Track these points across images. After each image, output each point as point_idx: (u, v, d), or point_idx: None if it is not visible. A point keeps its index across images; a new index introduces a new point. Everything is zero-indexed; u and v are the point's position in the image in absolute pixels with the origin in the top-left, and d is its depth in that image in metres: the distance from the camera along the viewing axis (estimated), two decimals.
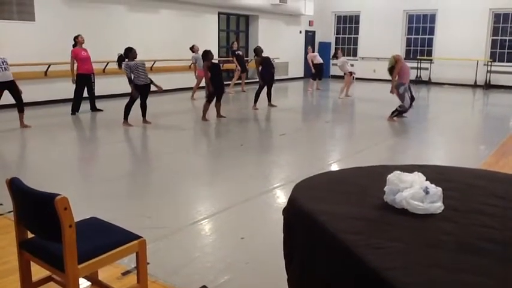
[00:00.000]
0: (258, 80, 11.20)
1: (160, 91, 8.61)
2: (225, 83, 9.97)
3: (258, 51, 10.89)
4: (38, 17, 10.48)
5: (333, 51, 20.72)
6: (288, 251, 2.29)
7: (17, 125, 8.00)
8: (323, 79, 16.34)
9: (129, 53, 8.23)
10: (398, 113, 9.46)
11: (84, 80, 9.57)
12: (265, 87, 10.84)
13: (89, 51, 9.69)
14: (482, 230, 1.80)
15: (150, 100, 8.80)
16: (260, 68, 10.80)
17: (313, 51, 15.93)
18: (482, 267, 1.54)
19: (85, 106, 9.86)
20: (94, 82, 9.81)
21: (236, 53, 13.99)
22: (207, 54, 9.04)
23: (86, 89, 9.70)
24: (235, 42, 14.73)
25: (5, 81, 7.69)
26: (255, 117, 10.20)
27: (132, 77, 8.13)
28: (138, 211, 4.30)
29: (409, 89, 9.51)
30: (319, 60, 14.81)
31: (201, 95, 11.41)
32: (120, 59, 8.25)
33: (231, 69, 15.40)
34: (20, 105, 7.93)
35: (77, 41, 9.60)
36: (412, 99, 9.63)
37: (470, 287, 1.43)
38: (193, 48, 12.24)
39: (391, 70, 9.46)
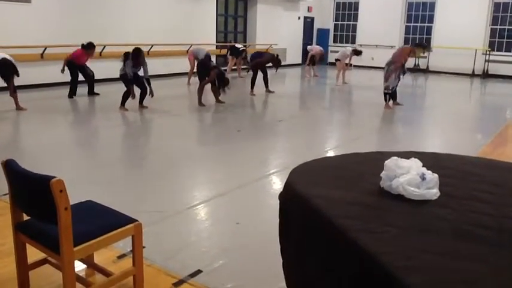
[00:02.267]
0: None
1: (151, 96, 8.49)
2: (222, 68, 9.91)
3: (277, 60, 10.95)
4: None
5: (331, 38, 20.66)
6: (283, 236, 2.30)
7: (13, 107, 7.95)
8: (321, 66, 16.30)
9: (137, 57, 8.07)
10: (389, 96, 9.38)
11: (75, 65, 9.51)
12: (262, 74, 10.80)
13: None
14: (478, 217, 1.81)
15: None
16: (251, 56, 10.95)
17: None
18: (477, 253, 1.54)
19: (83, 90, 9.81)
20: (87, 66, 9.73)
21: (242, 53, 13.97)
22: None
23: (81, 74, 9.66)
24: (240, 46, 14.62)
25: None
26: (252, 103, 10.17)
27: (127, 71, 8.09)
28: (134, 195, 4.30)
29: (399, 75, 9.33)
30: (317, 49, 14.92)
31: (197, 80, 11.36)
32: (125, 57, 8.14)
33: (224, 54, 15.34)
34: (9, 87, 7.84)
35: (89, 52, 9.49)
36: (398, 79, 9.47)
37: (464, 273, 1.43)
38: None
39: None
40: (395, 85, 9.30)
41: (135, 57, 8.07)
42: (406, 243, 1.61)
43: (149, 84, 8.35)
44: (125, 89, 8.31)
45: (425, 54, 11.50)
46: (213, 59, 13.42)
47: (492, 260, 1.50)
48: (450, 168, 2.37)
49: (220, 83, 8.94)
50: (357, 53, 13.67)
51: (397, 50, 9.46)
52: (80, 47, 9.47)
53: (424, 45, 10.81)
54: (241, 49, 14.12)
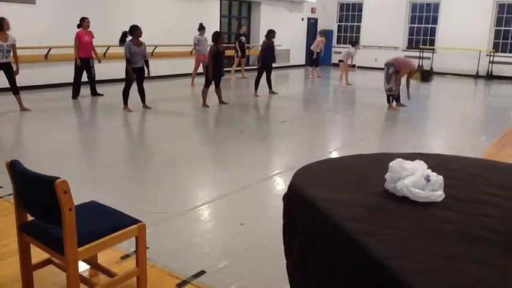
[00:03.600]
0: (257, 67, 11.20)
1: (148, 76, 8.45)
2: (226, 69, 9.91)
3: (271, 34, 10.83)
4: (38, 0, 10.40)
5: (335, 39, 20.63)
6: (287, 237, 2.29)
7: (17, 108, 7.97)
8: (324, 67, 16.27)
9: (135, 31, 8.09)
10: (393, 98, 9.37)
11: (82, 64, 9.51)
12: (265, 74, 10.79)
13: (93, 35, 9.62)
14: (483, 219, 1.80)
15: (150, 86, 8.78)
16: (261, 53, 10.81)
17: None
18: (483, 256, 1.53)
19: (86, 90, 9.83)
20: (93, 67, 9.75)
21: (240, 38, 13.90)
22: (219, 37, 8.93)
23: (85, 73, 9.66)
24: (244, 27, 14.65)
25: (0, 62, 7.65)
26: (256, 104, 10.17)
27: (129, 57, 8.08)
28: (138, 196, 4.30)
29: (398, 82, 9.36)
30: (318, 48, 14.81)
31: (201, 80, 11.35)
32: (124, 36, 8.17)
33: (232, 55, 15.32)
34: (13, 88, 7.87)
35: (83, 25, 9.51)
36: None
37: (470, 276, 1.42)
38: (201, 29, 11.95)
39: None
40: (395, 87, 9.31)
41: (133, 29, 8.08)
42: (412, 247, 1.60)
43: (147, 65, 8.33)
44: (125, 89, 8.34)
45: (417, 81, 11.41)
46: None
47: (499, 263, 1.49)
48: (455, 170, 2.35)
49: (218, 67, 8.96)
50: (355, 43, 13.68)
51: (403, 59, 9.37)
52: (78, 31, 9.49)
53: (426, 75, 10.70)
54: (241, 35, 13.98)
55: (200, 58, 11.70)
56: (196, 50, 12.14)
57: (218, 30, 8.96)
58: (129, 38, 8.13)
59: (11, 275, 2.73)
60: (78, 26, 9.53)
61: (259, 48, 11.79)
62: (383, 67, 9.43)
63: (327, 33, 14.32)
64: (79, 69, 9.54)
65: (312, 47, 14.94)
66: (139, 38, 8.17)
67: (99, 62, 9.88)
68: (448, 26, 17.45)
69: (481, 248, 1.58)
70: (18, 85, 7.94)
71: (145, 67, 8.30)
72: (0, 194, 4.03)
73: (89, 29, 9.58)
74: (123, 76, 8.41)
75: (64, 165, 5.11)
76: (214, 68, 8.81)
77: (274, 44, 11.28)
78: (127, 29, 8.18)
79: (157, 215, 3.73)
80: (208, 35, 12.08)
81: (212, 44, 9.14)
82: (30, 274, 2.57)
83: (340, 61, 13.54)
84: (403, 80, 9.42)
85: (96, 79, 9.95)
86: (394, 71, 9.08)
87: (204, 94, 9.02)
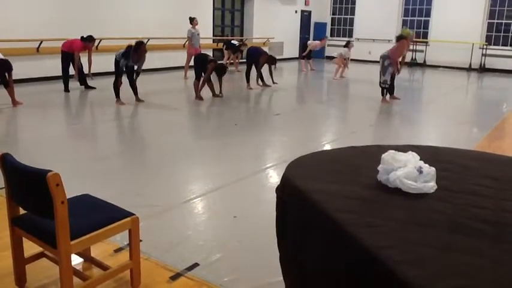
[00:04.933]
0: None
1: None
2: (218, 62, 9.88)
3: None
4: None
5: (329, 31, 20.61)
6: (280, 230, 2.30)
7: (9, 101, 7.90)
8: (318, 60, 16.27)
9: (138, 49, 7.98)
10: (387, 91, 9.40)
11: (66, 56, 9.44)
12: (255, 70, 10.82)
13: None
14: (475, 211, 1.81)
15: (143, 79, 8.73)
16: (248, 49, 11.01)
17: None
18: (475, 247, 1.54)
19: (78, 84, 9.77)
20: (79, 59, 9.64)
21: (237, 45, 13.95)
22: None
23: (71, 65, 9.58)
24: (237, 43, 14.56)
25: None
26: (249, 97, 10.15)
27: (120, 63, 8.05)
28: (131, 189, 4.29)
29: (397, 69, 9.42)
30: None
31: (193, 73, 11.33)
32: (127, 49, 8.05)
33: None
34: (4, 82, 7.81)
35: (89, 44, 9.43)
36: (392, 78, 9.51)
37: (462, 267, 1.44)
38: (192, 22, 11.90)
39: (398, 38, 9.42)
40: (390, 79, 9.32)
41: (135, 51, 8.01)
42: (404, 237, 1.61)
43: (137, 75, 8.34)
44: (115, 82, 8.32)
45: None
46: (210, 53, 13.38)
47: (490, 253, 1.50)
48: (447, 162, 2.36)
49: (222, 74, 9.00)
50: (347, 44, 13.71)
51: (394, 48, 9.41)
52: (78, 39, 9.41)
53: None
54: (237, 45, 14.06)
55: (192, 52, 11.63)
56: (191, 43, 12.08)
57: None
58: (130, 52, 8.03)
59: (3, 269, 2.72)
60: (83, 39, 9.38)
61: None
62: (376, 60, 9.46)
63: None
64: (64, 61, 9.45)
65: (310, 46, 14.83)
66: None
67: (91, 78, 9.78)
68: (441, 19, 17.50)
69: (472, 239, 1.59)
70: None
71: (135, 73, 8.30)
72: None
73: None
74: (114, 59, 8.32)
75: (56, 158, 5.09)
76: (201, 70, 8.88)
77: (266, 37, 11.36)
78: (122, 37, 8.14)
79: (150, 208, 3.72)
80: (199, 29, 12.09)
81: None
82: (23, 268, 2.56)
83: (345, 59, 13.51)
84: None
85: (90, 72, 9.86)
86: (389, 63, 9.11)
87: (196, 86, 9.00)
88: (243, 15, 17.41)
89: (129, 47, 8.07)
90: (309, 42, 15.57)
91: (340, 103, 10.35)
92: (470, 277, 1.38)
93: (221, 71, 9.07)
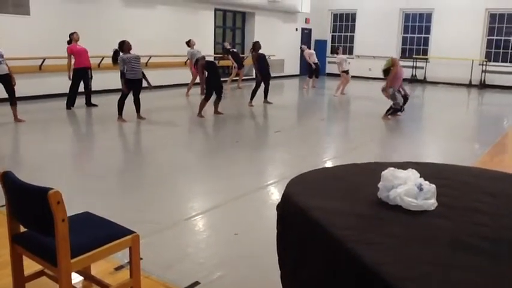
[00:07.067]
0: (254, 77, 11.17)
1: (150, 88, 8.54)
2: (222, 79, 9.95)
3: (256, 46, 10.85)
4: (33, 10, 10.41)
5: (329, 49, 20.76)
6: (281, 247, 2.29)
7: (11, 119, 7.94)
8: (319, 77, 16.32)
9: (123, 45, 8.20)
10: (393, 111, 9.47)
11: (80, 74, 9.50)
12: (263, 84, 10.82)
13: (84, 46, 9.63)
14: (475, 228, 1.81)
15: (145, 96, 8.77)
16: (256, 64, 10.81)
17: (309, 49, 15.86)
18: (474, 264, 1.54)
19: (81, 101, 9.81)
20: (91, 77, 9.74)
21: (231, 50, 13.97)
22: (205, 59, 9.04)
23: (82, 83, 9.66)
24: (227, 43, 14.70)
25: (1, 74, 7.65)
26: (251, 114, 10.19)
27: (125, 70, 8.09)
28: (132, 206, 4.28)
29: (402, 89, 9.57)
30: (315, 59, 14.74)
31: (196, 91, 11.38)
32: (116, 54, 8.23)
33: (227, 65, 15.40)
34: (12, 99, 7.87)
35: (72, 38, 9.54)
36: (405, 99, 9.63)
37: (461, 284, 1.43)
38: (189, 43, 12.10)
39: (386, 72, 9.47)
40: (403, 102, 9.49)
41: (121, 44, 8.21)
42: (404, 254, 1.60)
43: (144, 76, 8.37)
44: (120, 99, 8.35)
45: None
46: None
47: (490, 271, 1.50)
48: (448, 179, 2.37)
49: (220, 93, 9.03)
50: (335, 51, 13.83)
51: (389, 77, 9.42)
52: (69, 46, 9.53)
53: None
54: (230, 49, 14.06)
55: (194, 71, 11.72)
56: (194, 63, 12.13)
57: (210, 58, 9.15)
58: (121, 54, 8.19)
59: (3, 287, 2.71)
60: (68, 43, 9.54)
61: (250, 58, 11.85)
62: (377, 77, 9.54)
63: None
64: (76, 78, 9.52)
65: (308, 59, 14.82)
66: (131, 51, 8.21)
67: (91, 77, 9.88)
68: (441, 35, 17.62)
69: (472, 256, 1.59)
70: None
71: (144, 79, 8.34)
72: None
73: (78, 43, 9.56)
74: (118, 87, 8.44)
75: (57, 176, 5.09)
76: (211, 80, 8.84)
77: (267, 55, 11.30)
78: (116, 46, 8.25)
79: (151, 225, 3.71)
80: (201, 46, 12.18)
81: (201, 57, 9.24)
82: (22, 286, 2.55)
83: (343, 72, 13.54)
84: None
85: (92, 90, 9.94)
86: (394, 91, 9.29)
87: (202, 106, 8.99)
88: (244, 33, 17.56)
89: (116, 51, 8.25)
90: (302, 46, 15.58)
91: (341, 120, 10.38)
92: None
93: (219, 90, 9.07)
